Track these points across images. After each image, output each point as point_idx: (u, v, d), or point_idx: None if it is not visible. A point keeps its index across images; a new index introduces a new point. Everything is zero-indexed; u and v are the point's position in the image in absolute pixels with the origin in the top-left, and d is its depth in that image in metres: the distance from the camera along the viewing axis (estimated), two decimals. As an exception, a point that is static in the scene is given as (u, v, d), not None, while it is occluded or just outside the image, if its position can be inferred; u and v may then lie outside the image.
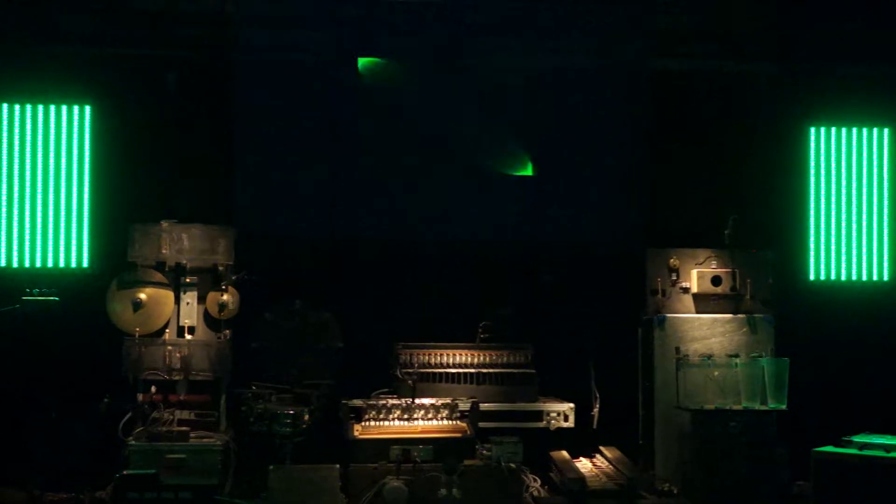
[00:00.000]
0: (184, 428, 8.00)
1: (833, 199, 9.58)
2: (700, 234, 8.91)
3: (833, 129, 9.61)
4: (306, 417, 7.96)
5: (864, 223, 9.57)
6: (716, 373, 8.21)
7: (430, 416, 8.30)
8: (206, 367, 8.32)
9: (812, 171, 9.59)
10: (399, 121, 9.17)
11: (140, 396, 8.17)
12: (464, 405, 8.37)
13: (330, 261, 9.16)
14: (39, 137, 8.99)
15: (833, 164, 9.60)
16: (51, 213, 8.96)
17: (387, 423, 8.24)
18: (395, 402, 8.34)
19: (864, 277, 9.56)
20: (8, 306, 7.76)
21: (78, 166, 9.01)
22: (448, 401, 8.37)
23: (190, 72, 9.20)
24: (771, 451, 8.03)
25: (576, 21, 9.16)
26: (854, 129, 9.62)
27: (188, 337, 8.43)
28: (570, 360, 9.09)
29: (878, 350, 9.38)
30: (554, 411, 8.69)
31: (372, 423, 8.22)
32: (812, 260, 9.54)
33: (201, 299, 8.50)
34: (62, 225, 8.96)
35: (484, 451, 7.98)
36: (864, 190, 9.59)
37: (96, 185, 9.02)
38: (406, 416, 8.27)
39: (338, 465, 7.68)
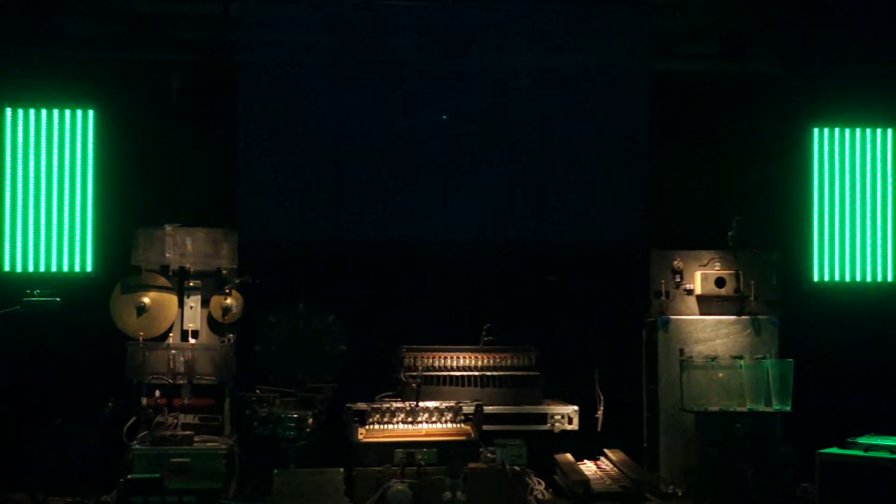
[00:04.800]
0: (188, 432, 8.01)
1: (837, 199, 9.55)
2: (704, 236, 8.89)
3: (837, 130, 9.58)
4: (310, 421, 7.96)
5: (869, 224, 9.54)
6: (720, 374, 8.18)
7: (434, 419, 8.30)
8: (210, 370, 8.31)
9: (816, 172, 9.56)
10: (402, 123, 9.17)
11: (144, 400, 8.16)
12: (468, 408, 8.36)
13: (333, 263, 9.17)
14: (43, 141, 9.00)
15: (837, 165, 9.58)
16: (54, 216, 8.96)
17: (391, 426, 8.24)
18: (399, 405, 8.34)
19: (869, 278, 9.53)
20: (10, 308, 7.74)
21: (81, 170, 9.01)
22: (452, 404, 8.37)
23: (193, 75, 9.20)
24: (775, 453, 8.01)
25: (579, 21, 9.14)
26: (858, 130, 9.59)
27: (192, 341, 8.43)
28: (574, 362, 9.08)
29: (883, 351, 9.35)
30: (558, 414, 8.69)
31: (376, 426, 8.23)
32: (816, 261, 9.51)
33: (205, 303, 8.49)
34: (66, 229, 8.97)
35: (488, 454, 7.97)
36: (869, 190, 9.57)
37: (100, 189, 9.03)
38: (410, 420, 8.27)
39: (342, 469, 7.67)
